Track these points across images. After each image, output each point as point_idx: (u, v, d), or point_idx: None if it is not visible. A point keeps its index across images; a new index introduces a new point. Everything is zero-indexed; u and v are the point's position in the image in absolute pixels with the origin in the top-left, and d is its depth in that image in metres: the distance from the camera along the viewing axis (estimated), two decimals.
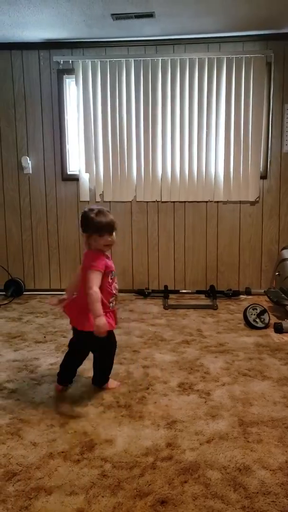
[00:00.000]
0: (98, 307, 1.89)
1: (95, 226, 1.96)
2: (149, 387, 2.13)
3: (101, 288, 1.95)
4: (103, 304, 1.94)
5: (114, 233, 2.02)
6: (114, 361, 2.18)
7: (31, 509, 1.35)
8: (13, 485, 1.45)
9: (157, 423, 1.82)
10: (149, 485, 1.45)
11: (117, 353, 2.47)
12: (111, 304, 2.02)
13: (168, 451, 1.63)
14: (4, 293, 3.91)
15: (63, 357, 2.17)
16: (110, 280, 2.01)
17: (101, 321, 1.87)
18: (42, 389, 2.13)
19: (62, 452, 1.63)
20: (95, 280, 1.93)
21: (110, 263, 2.03)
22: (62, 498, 1.40)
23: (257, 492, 1.41)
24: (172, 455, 1.61)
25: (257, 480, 1.47)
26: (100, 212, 1.97)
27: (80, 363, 2.15)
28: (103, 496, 1.40)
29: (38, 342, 2.79)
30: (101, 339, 1.90)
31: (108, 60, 3.67)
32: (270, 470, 1.52)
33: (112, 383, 2.16)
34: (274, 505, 1.36)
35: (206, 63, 3.62)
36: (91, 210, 1.99)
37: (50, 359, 2.50)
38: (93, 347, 2.09)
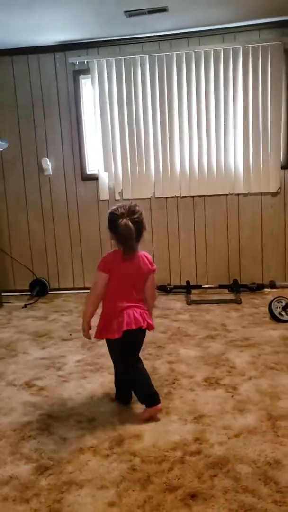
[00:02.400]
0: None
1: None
2: (175, 382, 2.13)
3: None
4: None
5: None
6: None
7: (63, 502, 1.38)
8: (45, 479, 1.49)
9: (184, 417, 1.82)
10: (179, 479, 1.46)
11: (142, 349, 2.49)
12: None
13: (196, 445, 1.64)
14: (29, 293, 3.99)
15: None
16: None
17: None
18: (70, 386, 2.17)
19: (92, 447, 1.66)
20: None
21: None
22: (93, 492, 1.42)
23: None
24: (200, 449, 1.61)
25: None
26: None
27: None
28: (133, 490, 1.42)
29: (64, 340, 2.84)
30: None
31: (122, 58, 3.67)
32: None
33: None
34: None
35: (222, 54, 3.56)
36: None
37: (76, 356, 2.54)
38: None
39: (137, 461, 1.56)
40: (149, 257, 1.95)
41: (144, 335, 1.93)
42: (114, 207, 1.85)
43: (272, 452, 1.57)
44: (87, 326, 1.90)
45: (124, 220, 1.78)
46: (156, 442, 1.67)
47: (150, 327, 1.91)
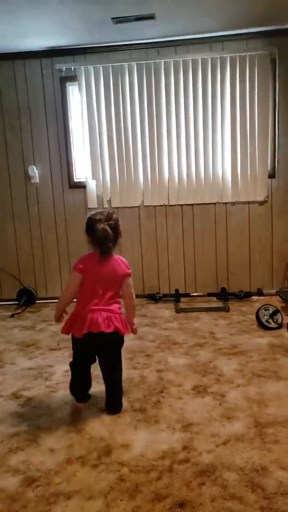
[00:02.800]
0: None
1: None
2: (164, 391, 2.14)
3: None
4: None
5: None
6: (128, 366, 2.18)
7: None
8: (33, 491, 1.48)
9: (172, 426, 1.83)
10: (167, 488, 1.46)
11: (130, 358, 2.50)
12: None
13: (184, 453, 1.64)
14: (17, 302, 3.95)
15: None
16: None
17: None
18: (58, 396, 2.15)
19: (80, 457, 1.65)
20: None
21: None
22: (81, 502, 1.41)
23: (275, 493, 1.41)
24: (188, 457, 1.61)
25: (275, 480, 1.47)
26: None
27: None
28: (121, 500, 1.41)
29: (52, 349, 2.82)
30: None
31: (110, 65, 3.68)
32: None
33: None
34: None
35: (210, 63, 3.60)
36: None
37: (64, 366, 2.52)
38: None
39: (125, 470, 1.56)
40: (125, 260, 2.04)
41: (112, 338, 1.92)
42: (93, 212, 1.97)
43: (259, 459, 1.59)
44: (58, 315, 2.05)
45: (102, 225, 1.89)
46: (145, 451, 1.66)
47: (121, 331, 1.93)
